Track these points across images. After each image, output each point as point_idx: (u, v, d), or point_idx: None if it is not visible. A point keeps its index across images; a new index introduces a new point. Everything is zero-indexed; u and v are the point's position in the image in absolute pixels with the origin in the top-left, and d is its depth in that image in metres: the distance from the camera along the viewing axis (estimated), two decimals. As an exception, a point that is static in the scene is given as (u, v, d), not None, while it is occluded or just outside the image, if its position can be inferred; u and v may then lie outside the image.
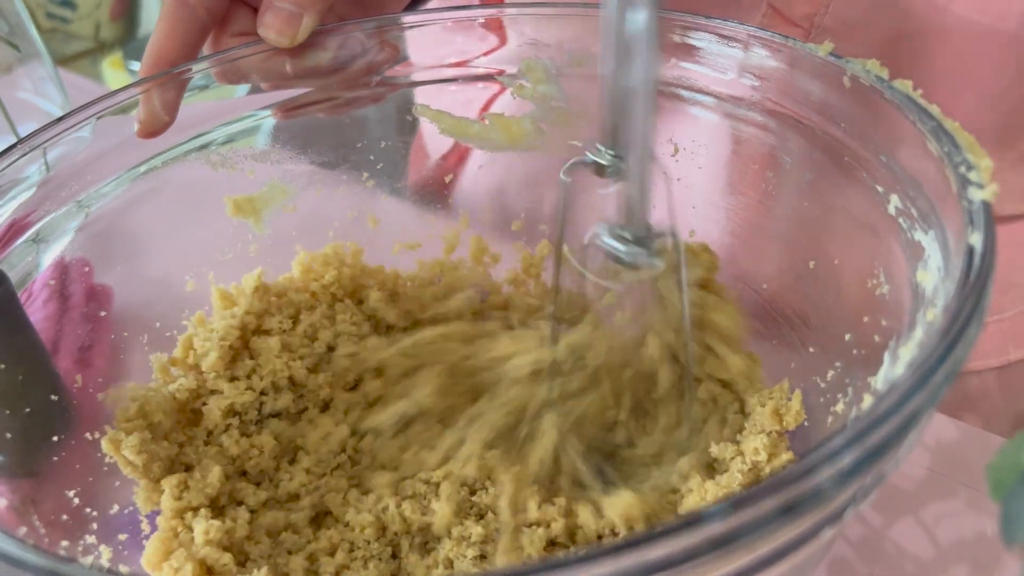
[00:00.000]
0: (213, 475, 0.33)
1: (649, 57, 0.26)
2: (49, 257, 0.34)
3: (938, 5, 0.41)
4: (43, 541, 0.28)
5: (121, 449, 0.33)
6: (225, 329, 0.37)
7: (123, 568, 0.31)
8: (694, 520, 0.17)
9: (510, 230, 0.43)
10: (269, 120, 0.39)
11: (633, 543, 0.17)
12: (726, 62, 0.36)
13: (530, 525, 0.32)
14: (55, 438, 0.32)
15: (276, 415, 0.37)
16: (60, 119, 0.34)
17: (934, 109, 0.27)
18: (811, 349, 0.34)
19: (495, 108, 0.41)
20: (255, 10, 0.36)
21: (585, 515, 0.32)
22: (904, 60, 0.43)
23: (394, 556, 0.33)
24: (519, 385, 0.35)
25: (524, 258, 0.43)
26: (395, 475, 0.35)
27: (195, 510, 0.33)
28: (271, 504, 0.35)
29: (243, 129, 0.39)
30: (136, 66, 1.43)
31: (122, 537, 0.32)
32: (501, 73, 0.40)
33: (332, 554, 0.33)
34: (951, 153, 0.25)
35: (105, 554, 0.31)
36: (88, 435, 0.33)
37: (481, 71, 0.40)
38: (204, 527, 0.31)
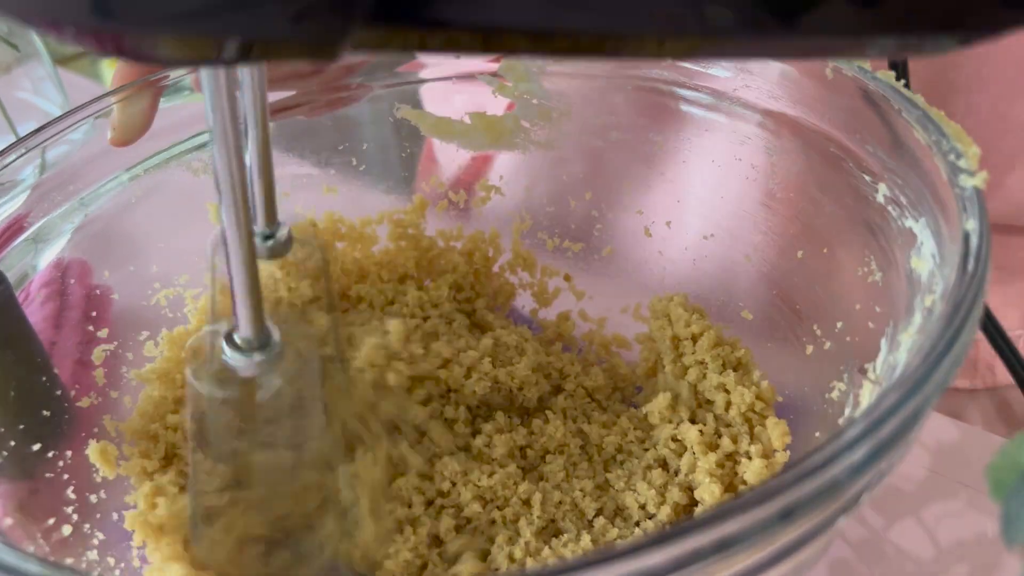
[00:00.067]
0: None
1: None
2: (47, 257, 0.34)
3: None
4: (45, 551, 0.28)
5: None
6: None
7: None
8: (708, 519, 0.17)
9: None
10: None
11: (656, 541, 0.17)
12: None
13: None
14: (53, 441, 0.31)
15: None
16: (58, 119, 0.34)
17: (918, 99, 0.27)
18: (803, 338, 0.34)
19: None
20: None
21: None
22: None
23: None
24: None
25: None
26: None
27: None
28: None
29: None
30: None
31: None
32: (483, 72, 0.40)
33: None
34: (939, 141, 0.25)
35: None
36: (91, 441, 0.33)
37: (462, 70, 0.40)
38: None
